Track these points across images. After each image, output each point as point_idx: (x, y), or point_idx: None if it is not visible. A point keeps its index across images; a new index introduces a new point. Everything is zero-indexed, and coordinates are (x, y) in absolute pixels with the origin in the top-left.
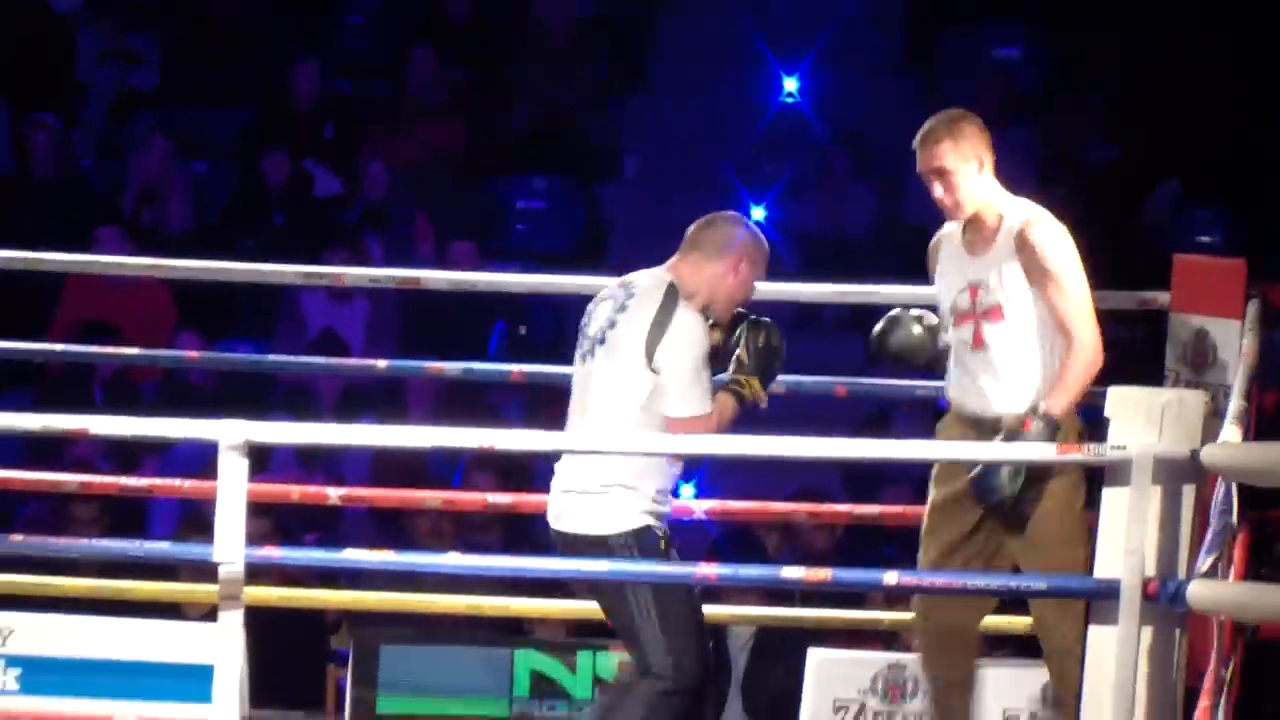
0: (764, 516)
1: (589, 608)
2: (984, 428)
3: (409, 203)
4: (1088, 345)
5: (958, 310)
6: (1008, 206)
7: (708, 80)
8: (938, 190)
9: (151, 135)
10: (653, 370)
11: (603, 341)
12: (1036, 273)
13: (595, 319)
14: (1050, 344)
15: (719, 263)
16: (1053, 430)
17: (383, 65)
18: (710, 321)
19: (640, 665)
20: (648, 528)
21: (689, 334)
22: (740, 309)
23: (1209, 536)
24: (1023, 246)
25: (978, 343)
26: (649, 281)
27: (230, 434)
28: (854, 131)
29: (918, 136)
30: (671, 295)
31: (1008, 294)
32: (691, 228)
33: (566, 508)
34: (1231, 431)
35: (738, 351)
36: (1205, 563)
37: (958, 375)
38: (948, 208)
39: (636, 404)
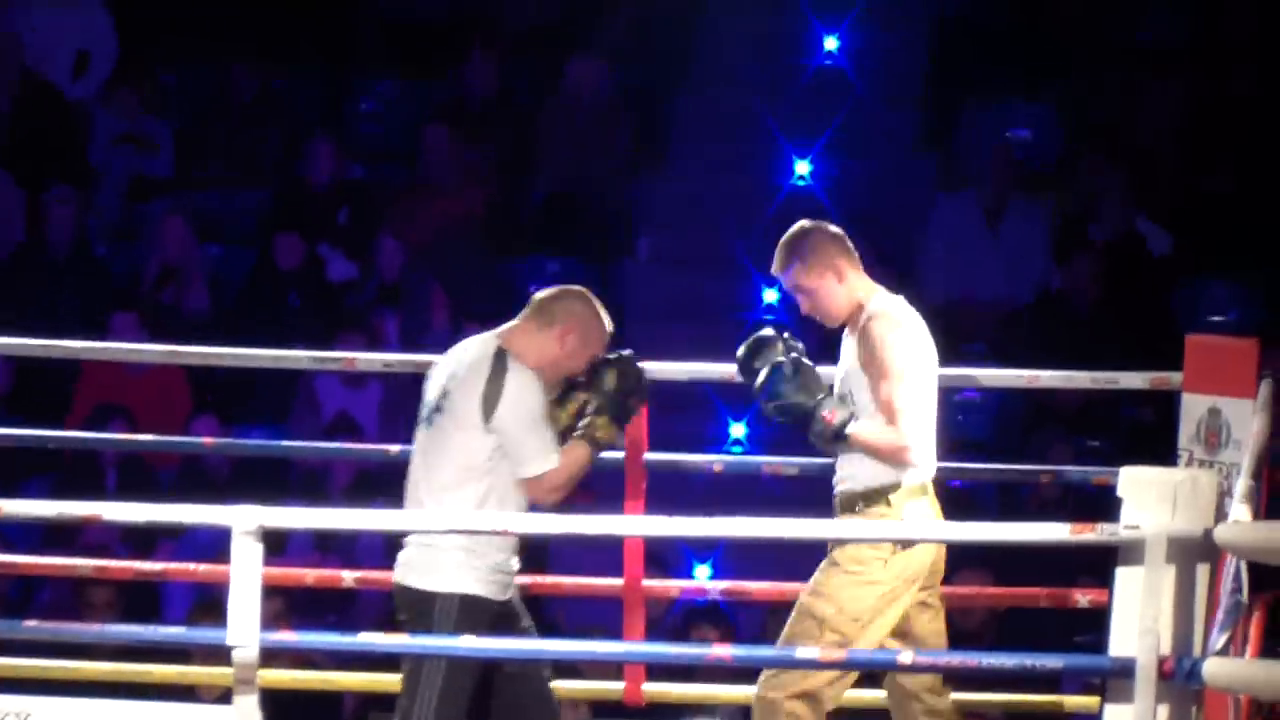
0: (780, 597)
1: (610, 688)
2: (844, 505)
3: (423, 283)
4: (903, 436)
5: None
6: (870, 300)
7: (721, 161)
8: (804, 306)
9: (167, 219)
10: (490, 432)
11: (439, 410)
12: (871, 365)
13: (432, 386)
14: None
15: (546, 333)
16: (834, 430)
17: (397, 148)
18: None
19: None
20: (476, 597)
21: (520, 393)
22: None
23: (1220, 614)
24: (862, 338)
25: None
26: (478, 348)
27: (244, 519)
28: (867, 212)
29: (773, 262)
30: (500, 359)
31: (851, 382)
32: (536, 295)
33: (407, 558)
34: (1241, 510)
35: (585, 396)
36: (1220, 640)
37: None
38: (823, 321)
39: (479, 467)
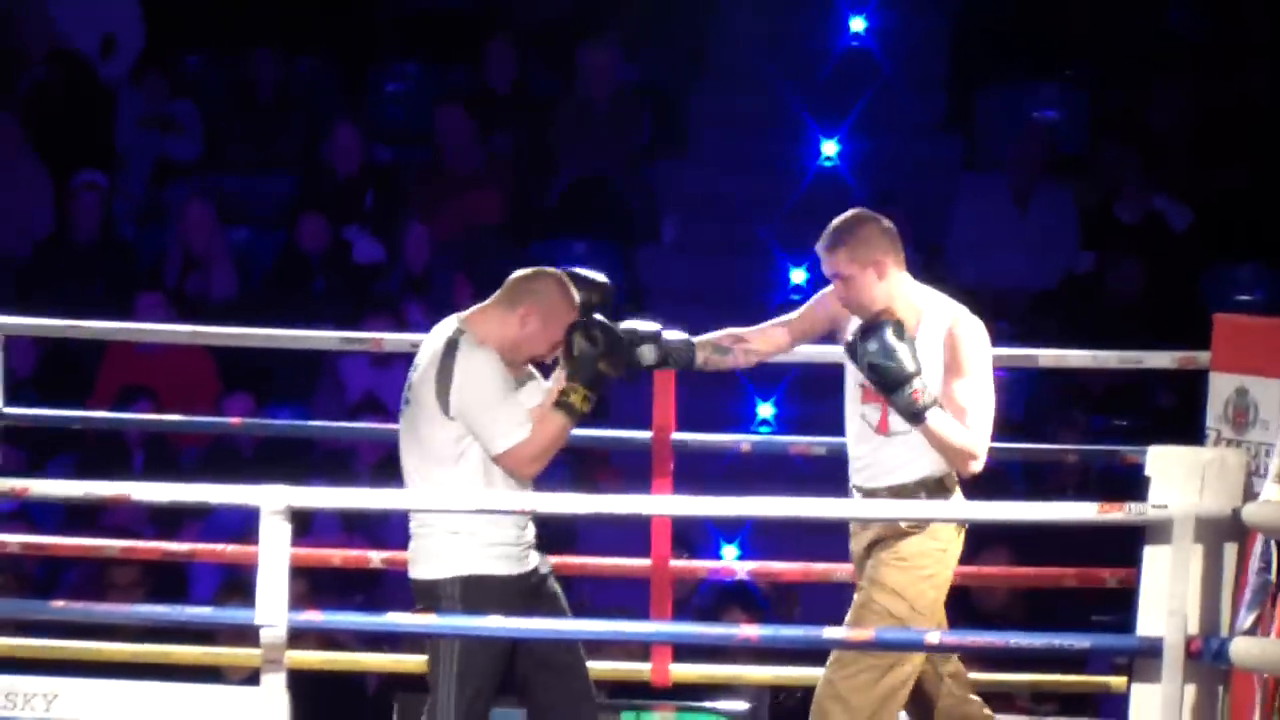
0: (807, 578)
1: (637, 669)
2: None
3: (449, 268)
4: (975, 439)
5: (867, 389)
6: (927, 304)
7: (746, 144)
8: (838, 292)
9: (192, 202)
10: (452, 418)
11: (407, 400)
12: (954, 367)
13: (409, 377)
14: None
15: (508, 314)
16: (920, 407)
17: (422, 132)
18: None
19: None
20: (480, 577)
21: (471, 374)
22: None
23: (1248, 594)
24: (950, 343)
25: (883, 426)
26: (438, 334)
27: (272, 499)
28: (893, 193)
29: (820, 241)
30: (451, 345)
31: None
32: (512, 274)
33: (409, 552)
34: (1271, 490)
35: (560, 364)
36: (1247, 620)
37: (861, 451)
38: (852, 311)
39: (446, 456)
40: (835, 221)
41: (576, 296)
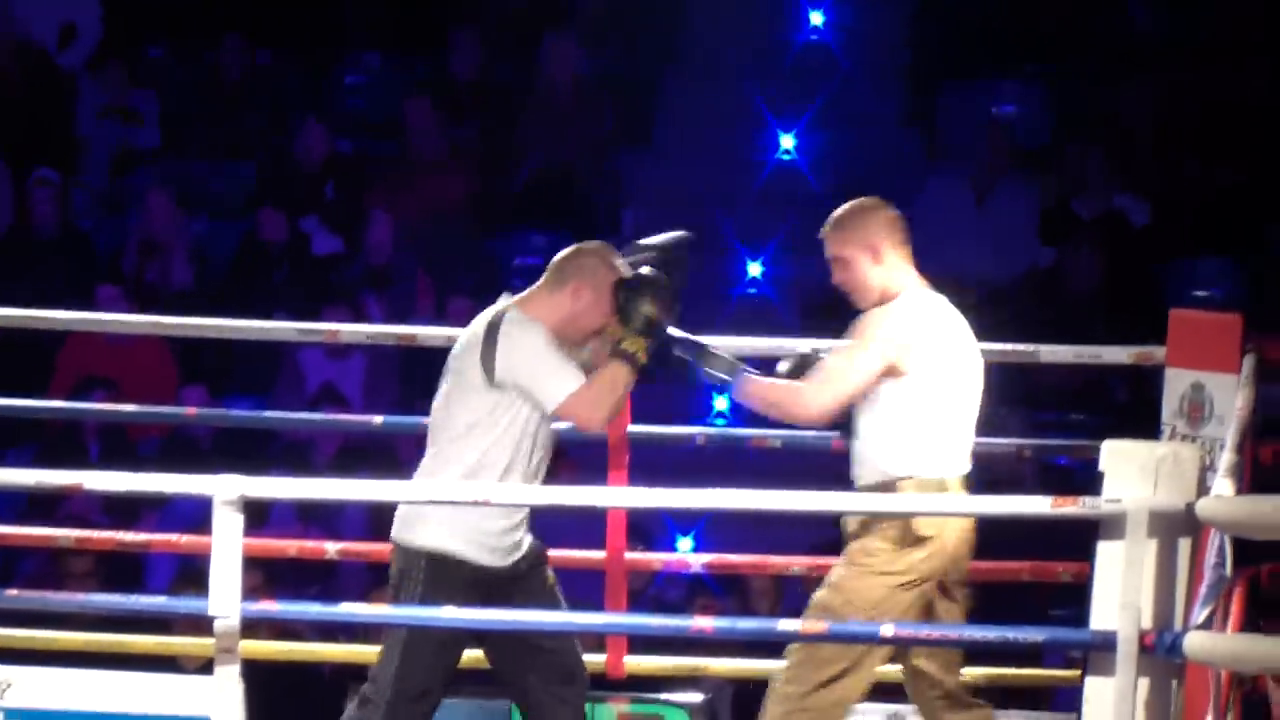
0: (761, 570)
1: (592, 660)
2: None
3: (409, 260)
4: (803, 391)
5: None
6: (900, 294)
7: (707, 136)
8: (835, 276)
9: (152, 193)
10: (498, 386)
11: (444, 377)
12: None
13: (449, 357)
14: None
15: (559, 292)
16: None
17: (383, 124)
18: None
19: (363, 691)
20: (447, 556)
21: (521, 337)
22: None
23: (1204, 588)
24: (856, 321)
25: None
26: (485, 316)
27: (225, 489)
28: (852, 187)
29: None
30: (496, 320)
31: None
32: (554, 258)
33: (400, 512)
34: (1224, 485)
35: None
36: (1202, 614)
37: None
38: (847, 293)
39: (477, 423)
40: (844, 205)
41: (622, 265)
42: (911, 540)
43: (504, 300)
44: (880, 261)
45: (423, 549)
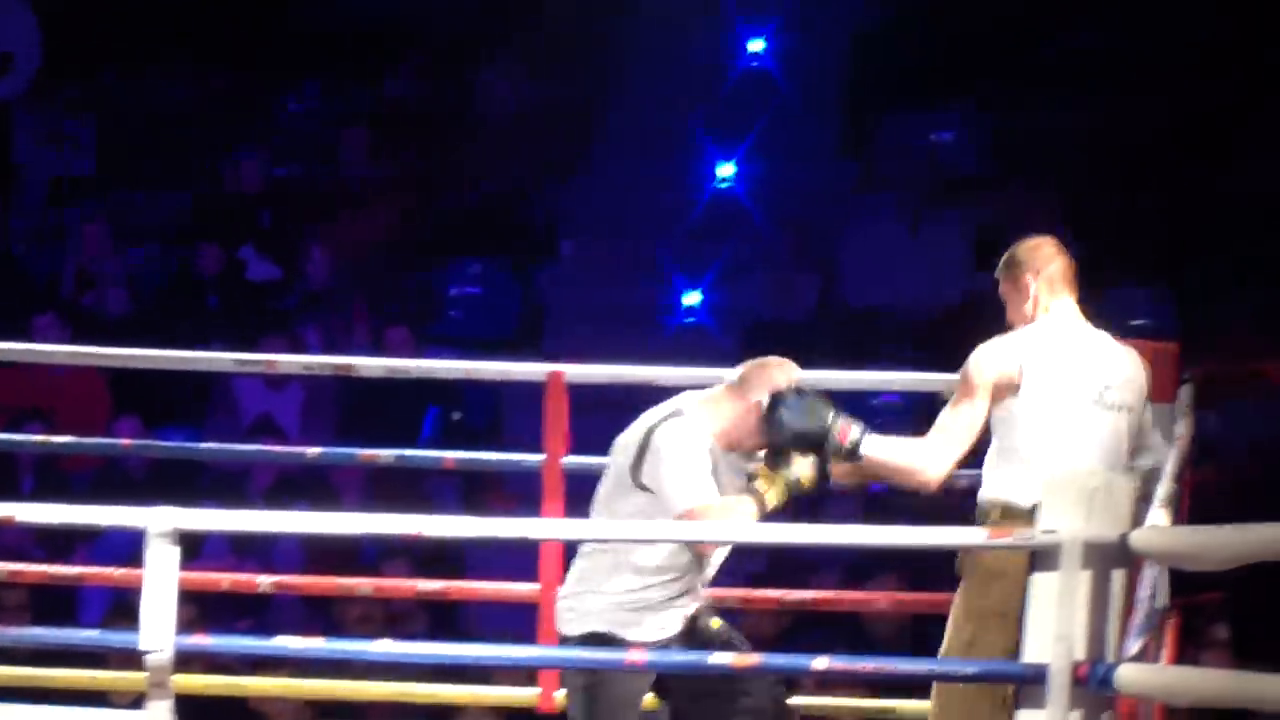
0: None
1: (518, 694)
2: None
3: (347, 288)
4: (923, 455)
5: None
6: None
7: (644, 165)
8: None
9: (87, 223)
10: (642, 488)
11: (606, 471)
12: None
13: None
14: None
15: (739, 400)
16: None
17: (323, 151)
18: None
19: None
20: (602, 634)
21: (671, 444)
22: None
23: (1139, 620)
24: None
25: None
26: (653, 413)
27: (159, 521)
28: (791, 215)
29: None
30: (663, 420)
31: None
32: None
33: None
34: (1160, 515)
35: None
36: (1135, 646)
37: None
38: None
39: (625, 516)
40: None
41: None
42: (991, 573)
43: (677, 400)
44: (1026, 298)
45: (580, 634)
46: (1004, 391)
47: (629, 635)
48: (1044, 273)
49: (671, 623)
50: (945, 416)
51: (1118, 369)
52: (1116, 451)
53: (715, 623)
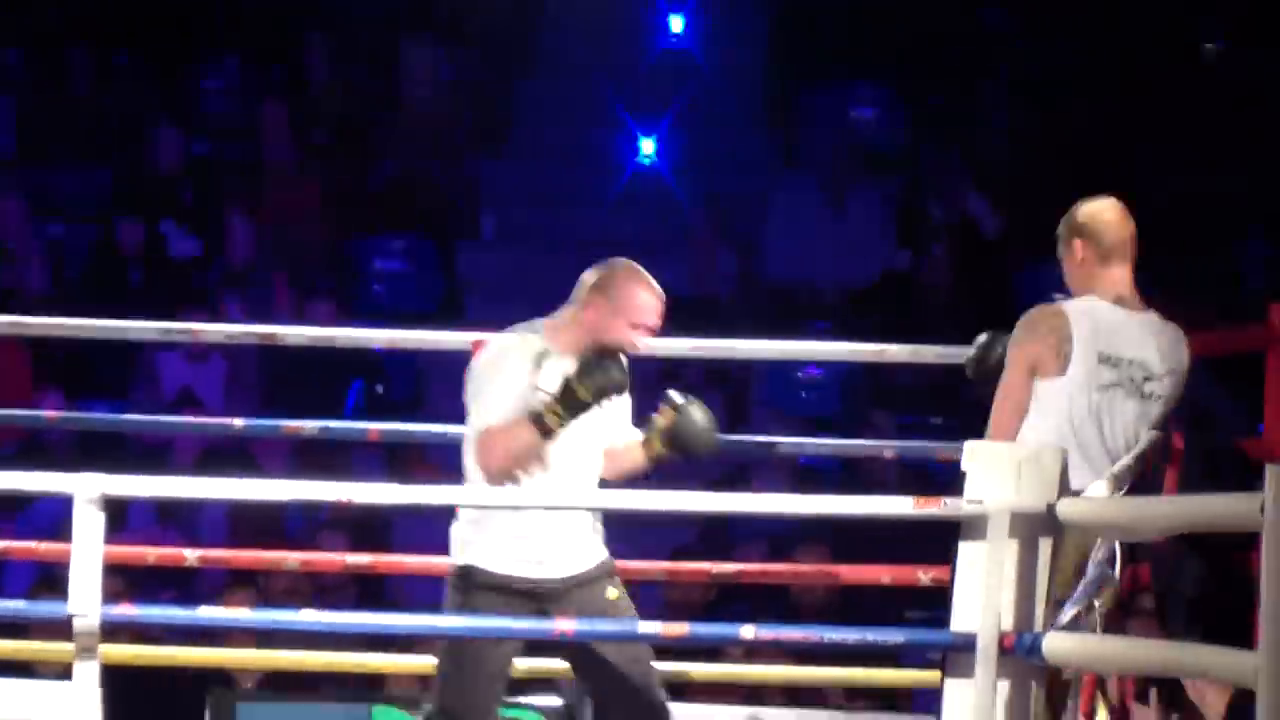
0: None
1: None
2: None
3: (269, 264)
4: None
5: None
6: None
7: (566, 141)
8: None
9: (7, 197)
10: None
11: None
12: None
13: None
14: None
15: (576, 308)
16: None
17: (243, 128)
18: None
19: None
20: (469, 568)
21: (487, 350)
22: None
23: (1079, 588)
24: None
25: None
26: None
27: (86, 487)
28: (712, 191)
29: None
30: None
31: None
32: None
33: None
34: (1099, 487)
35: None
36: (1068, 615)
37: None
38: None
39: (469, 437)
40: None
41: (644, 303)
42: None
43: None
44: (1081, 265)
45: (454, 566)
46: (1047, 369)
47: (477, 562)
48: (1099, 239)
49: (515, 552)
50: (998, 395)
51: (1163, 359)
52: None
53: (612, 592)
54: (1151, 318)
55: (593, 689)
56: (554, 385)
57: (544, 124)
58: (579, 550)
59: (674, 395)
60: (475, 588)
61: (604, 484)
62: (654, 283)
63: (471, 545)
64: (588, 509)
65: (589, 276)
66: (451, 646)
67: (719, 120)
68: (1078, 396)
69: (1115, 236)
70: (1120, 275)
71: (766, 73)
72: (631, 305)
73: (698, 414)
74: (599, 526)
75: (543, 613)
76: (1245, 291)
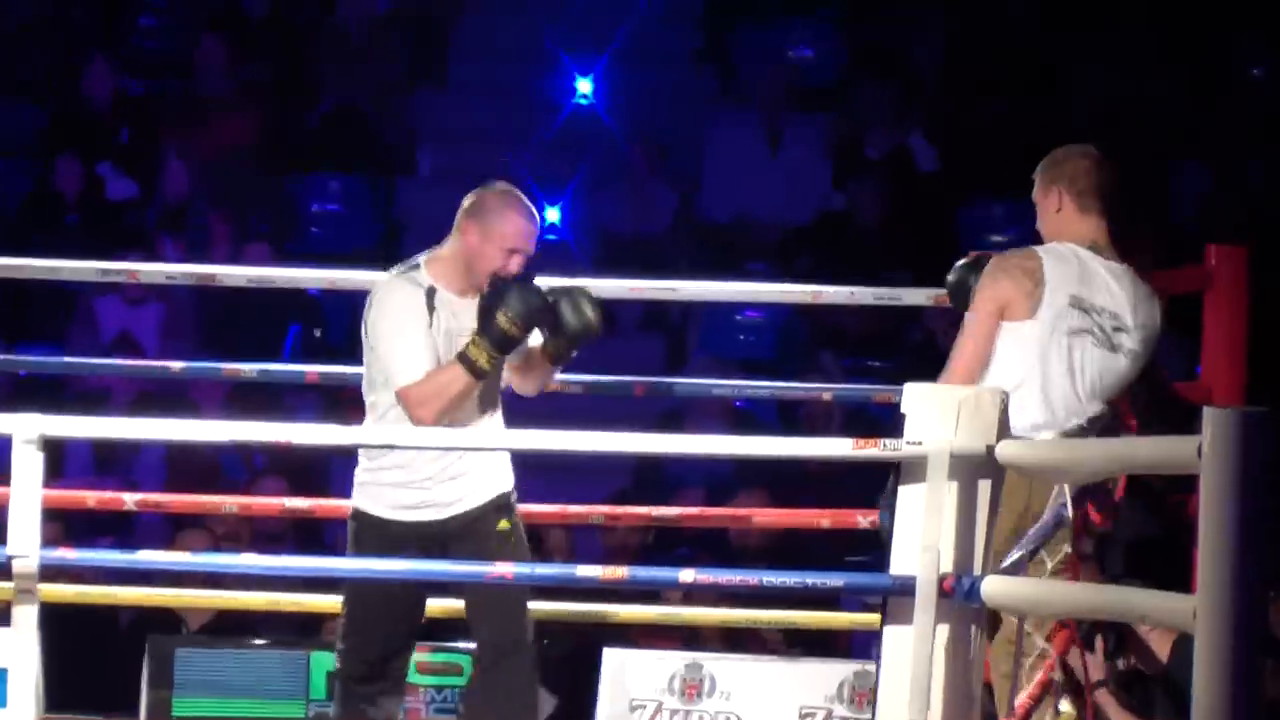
0: (561, 519)
1: None
2: None
3: (205, 202)
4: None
5: None
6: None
7: (503, 79)
8: None
9: None
10: (370, 346)
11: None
12: None
13: None
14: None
15: (453, 238)
16: None
17: (176, 64)
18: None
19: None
20: (356, 511)
21: (384, 301)
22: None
23: (1031, 531)
24: None
25: None
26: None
27: (25, 428)
28: (650, 129)
29: None
30: (390, 276)
31: None
32: None
33: None
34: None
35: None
36: (1012, 558)
37: None
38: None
39: (374, 382)
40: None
41: (517, 228)
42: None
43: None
44: (1060, 210)
45: (352, 508)
46: (1016, 312)
47: (362, 506)
48: (1077, 186)
49: (395, 498)
50: (959, 338)
51: (1135, 312)
52: (1114, 391)
53: (504, 525)
54: (1128, 271)
55: (469, 618)
56: (469, 322)
57: (480, 60)
58: (468, 489)
59: (553, 287)
60: (363, 530)
61: (521, 400)
62: (530, 205)
63: (363, 488)
64: (516, 449)
65: (465, 201)
66: (352, 590)
67: (656, 58)
68: (1047, 340)
69: (1097, 183)
70: (1098, 224)
71: (705, 10)
72: (504, 231)
73: (579, 297)
74: (500, 459)
75: (428, 552)
76: (1179, 219)
